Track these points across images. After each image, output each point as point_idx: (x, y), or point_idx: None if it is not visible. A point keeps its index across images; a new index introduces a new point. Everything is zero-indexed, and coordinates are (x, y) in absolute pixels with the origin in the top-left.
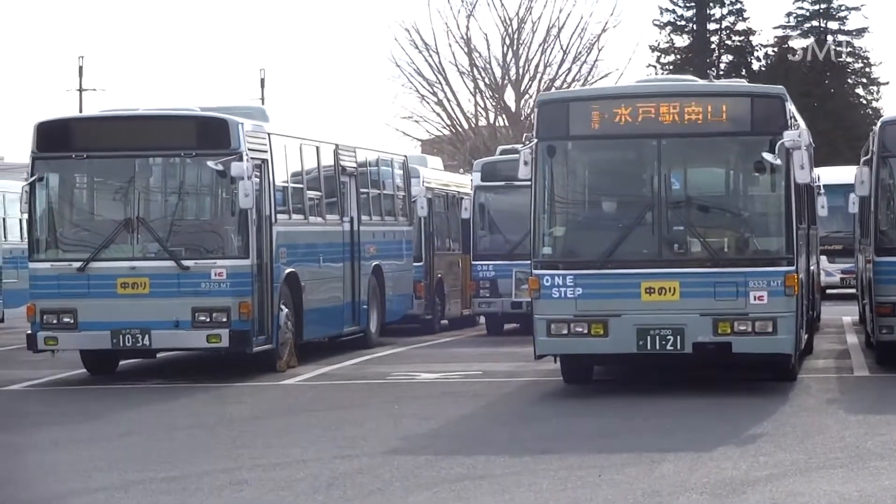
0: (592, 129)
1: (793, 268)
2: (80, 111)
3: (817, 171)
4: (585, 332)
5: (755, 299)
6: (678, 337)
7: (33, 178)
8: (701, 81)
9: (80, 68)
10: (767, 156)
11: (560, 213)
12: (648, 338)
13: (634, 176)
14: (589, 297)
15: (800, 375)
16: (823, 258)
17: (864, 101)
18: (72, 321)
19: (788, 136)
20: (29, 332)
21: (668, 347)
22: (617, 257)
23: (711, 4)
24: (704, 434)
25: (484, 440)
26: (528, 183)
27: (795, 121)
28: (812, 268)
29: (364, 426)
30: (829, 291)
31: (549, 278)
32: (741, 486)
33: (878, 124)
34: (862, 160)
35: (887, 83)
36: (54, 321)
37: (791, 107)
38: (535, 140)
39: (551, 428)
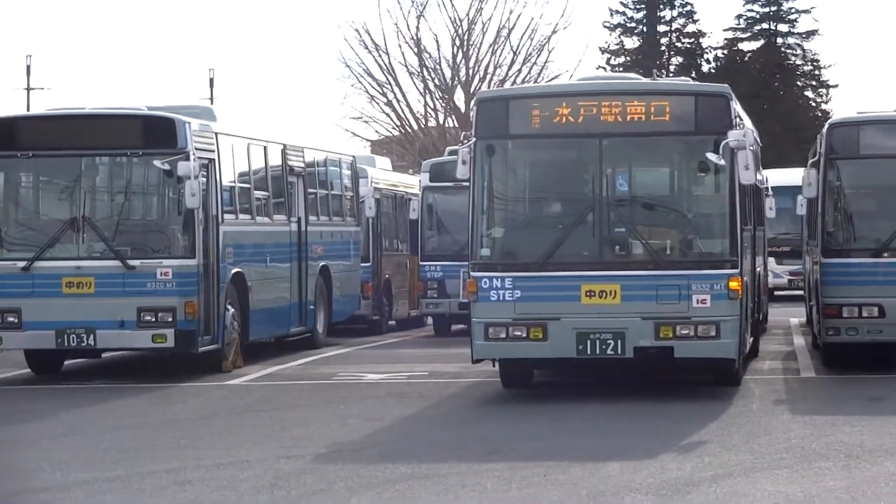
0: (532, 128)
1: (737, 270)
2: (28, 110)
3: (766, 172)
4: (524, 335)
5: (698, 303)
6: (619, 341)
7: None
8: (644, 80)
9: (28, 67)
10: (711, 156)
11: (499, 213)
12: (588, 342)
13: (575, 176)
14: (528, 300)
15: (746, 377)
16: (771, 260)
17: (814, 104)
18: (16, 321)
19: (733, 136)
20: None
21: (609, 352)
22: (556, 259)
23: (661, 6)
24: (649, 435)
25: (429, 441)
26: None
27: (741, 120)
28: (758, 269)
29: (309, 426)
30: (776, 293)
31: (487, 281)
32: (686, 486)
33: (826, 126)
34: (809, 162)
35: (836, 86)
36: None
37: (736, 106)
38: (474, 139)
39: (496, 429)
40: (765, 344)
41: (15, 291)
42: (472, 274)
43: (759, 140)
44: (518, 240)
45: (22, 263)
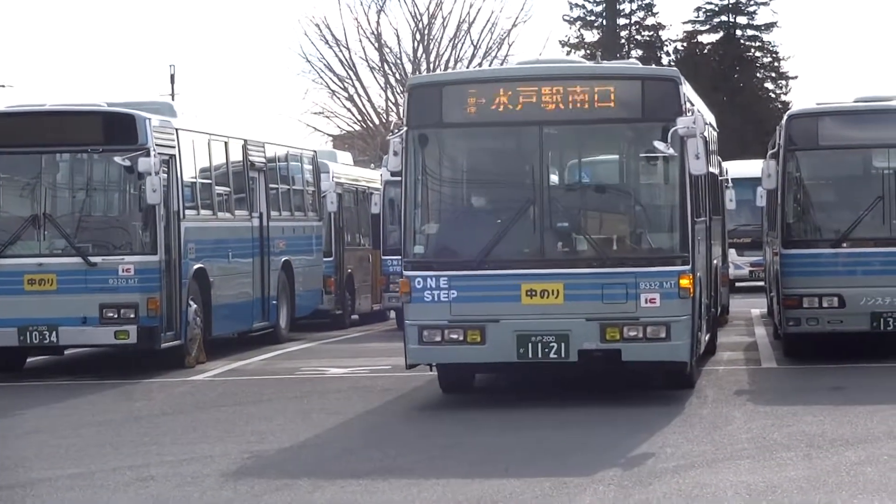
0: (468, 116)
1: (688, 267)
2: None
3: (726, 164)
4: (461, 339)
5: (647, 302)
6: (562, 344)
7: None
8: (588, 63)
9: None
10: (659, 144)
11: (433, 208)
12: (530, 345)
13: (515, 167)
14: (464, 300)
15: (707, 367)
16: (732, 251)
17: (773, 95)
18: None
19: (682, 123)
20: None
21: (552, 355)
22: (495, 257)
23: (621, 0)
24: (611, 427)
25: (392, 434)
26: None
27: (691, 105)
28: (715, 262)
29: (273, 421)
30: (737, 284)
31: (421, 280)
32: (648, 477)
33: (785, 118)
34: (769, 153)
35: (796, 77)
36: None
37: (687, 91)
38: (406, 128)
39: (459, 422)
40: (726, 335)
41: None
42: (406, 273)
43: (715, 127)
44: (454, 236)
45: None
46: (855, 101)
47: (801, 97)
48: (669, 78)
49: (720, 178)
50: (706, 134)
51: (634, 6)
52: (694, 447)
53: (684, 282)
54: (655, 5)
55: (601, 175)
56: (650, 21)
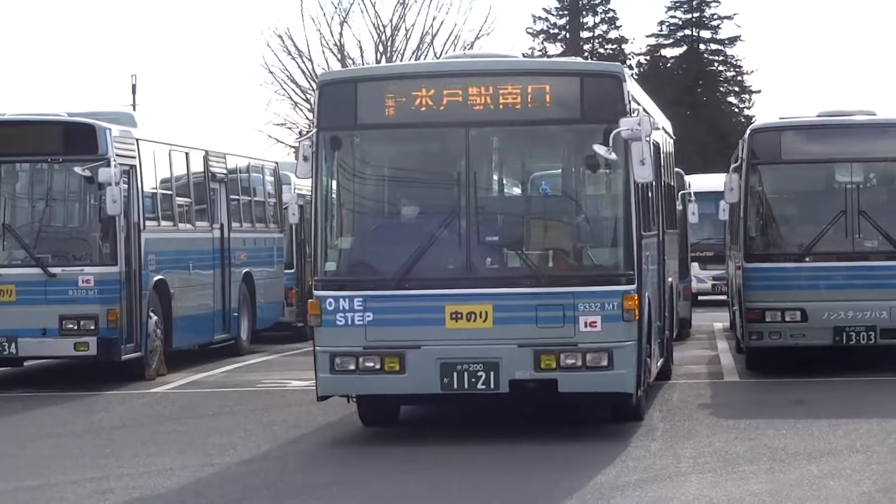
0: (386, 117)
1: (633, 286)
2: None
3: (689, 178)
4: (377, 367)
5: (586, 326)
6: (491, 373)
7: None
8: (522, 59)
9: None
10: (599, 149)
11: (346, 220)
12: (455, 374)
13: (438, 174)
14: (381, 324)
15: (671, 381)
16: (695, 265)
17: (737, 110)
18: None
19: (626, 125)
20: None
21: (479, 386)
22: (416, 275)
23: (584, 13)
24: (573, 440)
25: (352, 448)
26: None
27: (637, 106)
28: (670, 279)
29: (233, 434)
30: (700, 298)
31: (333, 301)
32: (610, 491)
33: (748, 131)
34: (732, 167)
35: (759, 91)
36: None
37: (633, 90)
38: (316, 130)
39: (417, 437)
40: (688, 349)
41: None
42: (316, 293)
43: (671, 134)
44: (370, 252)
45: None
46: (818, 116)
47: (764, 111)
48: (611, 74)
49: (681, 190)
50: (660, 140)
51: (598, 19)
52: (656, 460)
53: (629, 303)
54: (619, 19)
55: (535, 183)
56: (613, 34)
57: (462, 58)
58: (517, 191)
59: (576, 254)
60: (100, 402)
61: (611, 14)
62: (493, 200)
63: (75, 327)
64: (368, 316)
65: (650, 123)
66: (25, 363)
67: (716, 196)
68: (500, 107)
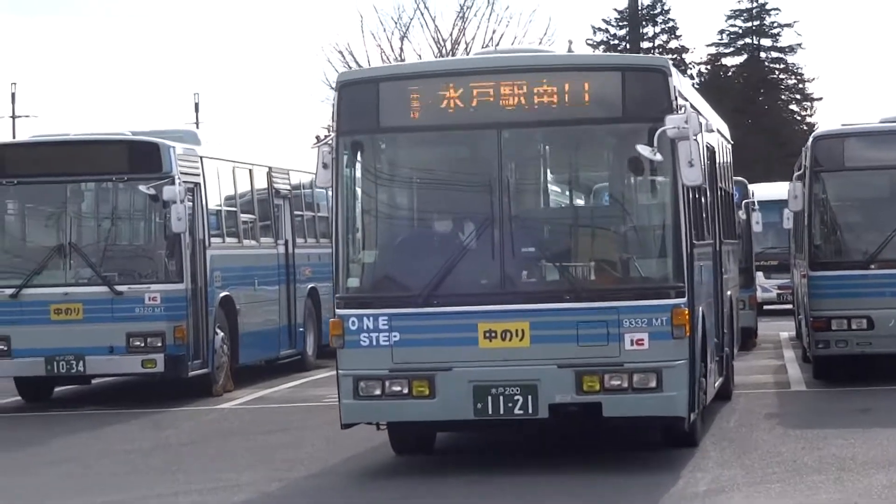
0: (411, 119)
1: (683, 300)
2: (14, 138)
3: (752, 186)
4: (405, 391)
5: (632, 344)
6: (529, 397)
7: None
8: (558, 53)
9: (13, 95)
10: (643, 149)
11: (370, 232)
12: (489, 399)
13: (468, 180)
14: (409, 344)
15: (735, 392)
16: (760, 274)
17: (798, 118)
18: (5, 348)
19: (672, 123)
20: None
21: (517, 411)
22: (445, 291)
23: (644, 23)
24: (640, 450)
25: (421, 463)
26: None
27: (685, 102)
28: (729, 292)
29: (301, 449)
30: (765, 307)
31: (356, 321)
32: (679, 500)
33: (811, 139)
34: (795, 175)
35: (821, 99)
36: None
37: (679, 85)
38: (335, 134)
39: (480, 462)
40: (755, 359)
41: (3, 319)
42: (337, 312)
43: (729, 139)
44: (396, 266)
45: (10, 291)
46: (880, 122)
47: (826, 119)
48: (656, 68)
49: (744, 199)
50: (715, 143)
51: (657, 29)
52: (724, 471)
53: (679, 318)
54: (679, 28)
55: (575, 189)
56: (674, 44)
57: (493, 53)
58: (555, 198)
59: (620, 265)
60: (167, 418)
61: (671, 24)
62: (528, 208)
63: (142, 344)
64: (395, 336)
65: (699, 121)
66: (93, 381)
67: (779, 205)
68: (535, 106)
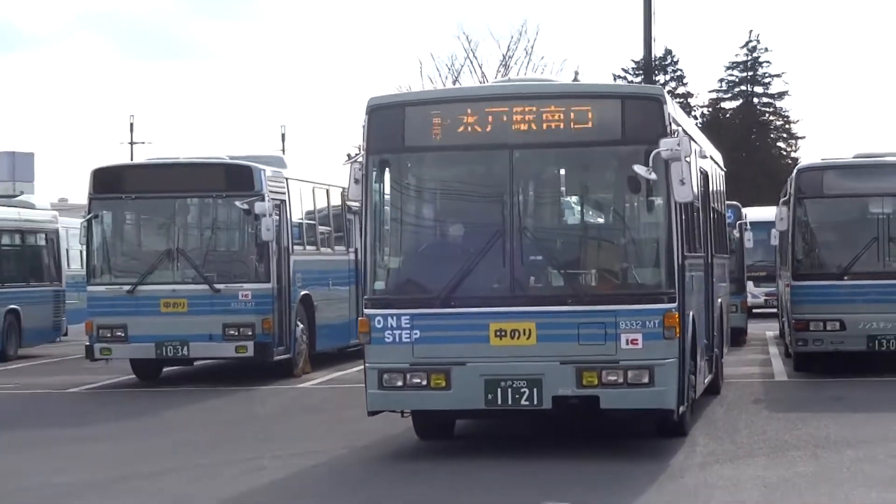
0: (432, 140)
1: (673, 305)
2: (131, 160)
3: (745, 210)
4: (424, 383)
5: (627, 343)
6: (535, 390)
7: (90, 215)
8: (564, 82)
9: (131, 125)
10: (639, 169)
11: (394, 241)
12: (499, 390)
13: (483, 195)
14: (428, 341)
15: (727, 381)
16: (750, 283)
17: (784, 153)
18: (123, 335)
19: (665, 145)
20: (87, 343)
21: (523, 402)
22: (461, 294)
23: (657, 72)
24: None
25: (466, 431)
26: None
27: (677, 127)
28: (719, 300)
29: (368, 422)
30: (754, 311)
31: (382, 319)
32: (679, 471)
33: (795, 171)
34: (781, 201)
35: (804, 137)
36: (108, 335)
37: (673, 111)
38: (365, 153)
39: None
40: (745, 354)
41: (122, 310)
42: (365, 311)
43: (722, 166)
44: (417, 271)
45: (127, 287)
46: (854, 157)
47: (808, 154)
48: (652, 97)
49: (738, 220)
50: (709, 169)
51: (668, 77)
52: (718, 446)
53: (669, 321)
54: (685, 77)
55: (578, 204)
56: (681, 90)
57: (506, 82)
58: (560, 211)
59: (617, 273)
60: (256, 395)
61: (679, 73)
62: (536, 221)
63: (236, 333)
64: (416, 333)
65: (690, 145)
66: (195, 363)
67: (768, 225)
68: (543, 129)
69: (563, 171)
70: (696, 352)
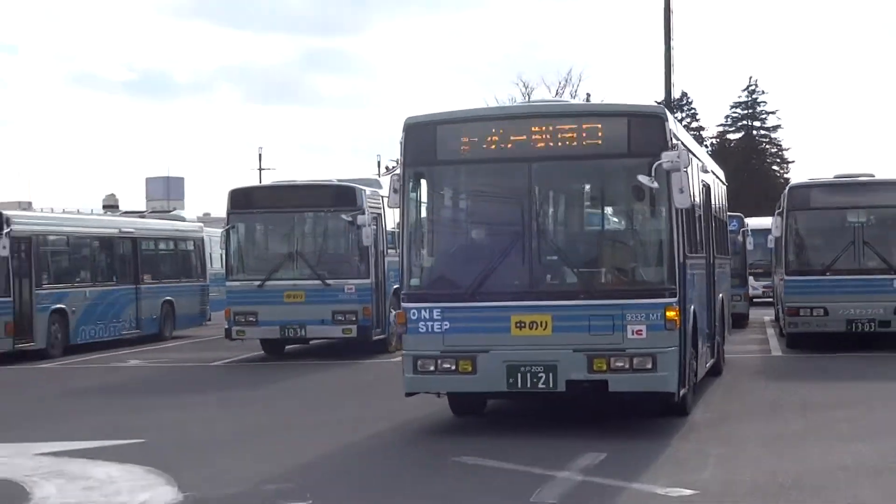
0: (461, 154)
1: (674, 299)
2: (260, 182)
3: (747, 220)
4: (453, 368)
5: (633, 334)
6: (550, 374)
7: (228, 226)
8: (577, 102)
9: (260, 155)
10: (643, 178)
11: (428, 242)
12: (519, 375)
13: (505, 202)
14: (456, 331)
15: (730, 356)
16: (751, 278)
17: (778, 174)
18: (254, 320)
19: (666, 158)
20: (226, 327)
21: (540, 385)
22: (486, 289)
23: (674, 110)
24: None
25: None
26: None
27: (677, 141)
28: (721, 295)
29: None
30: (754, 300)
31: (416, 311)
32: (697, 426)
33: (787, 188)
34: (776, 212)
35: (793, 161)
36: (242, 320)
37: (675, 128)
38: (402, 166)
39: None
40: (747, 334)
41: (253, 301)
42: (403, 304)
43: (724, 181)
44: (447, 269)
45: (257, 282)
46: (834, 177)
47: (797, 174)
48: (655, 115)
49: (741, 228)
50: (710, 182)
51: (684, 114)
52: (727, 406)
53: (670, 314)
54: (699, 114)
55: (589, 210)
56: (694, 125)
57: (526, 103)
58: (573, 216)
59: (624, 271)
60: (359, 367)
61: (693, 111)
62: (552, 225)
63: (343, 319)
64: (446, 324)
65: (689, 157)
66: (311, 342)
67: (765, 232)
68: (559, 144)
69: (576, 181)
70: (697, 340)
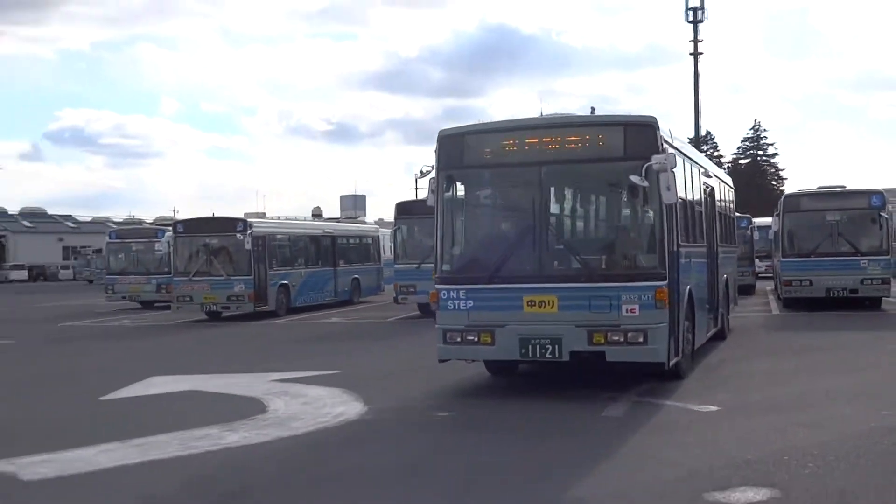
0: (485, 159)
1: (664, 282)
2: (416, 196)
3: (754, 220)
4: (475, 340)
5: (627, 312)
6: (556, 346)
7: (395, 228)
8: (582, 115)
9: (416, 178)
10: (634, 178)
11: (458, 234)
12: (530, 346)
13: (520, 200)
14: (478, 309)
15: (738, 316)
16: (757, 260)
17: (775, 187)
18: (413, 290)
19: (656, 160)
20: (394, 295)
21: (548, 355)
22: (503, 273)
23: (702, 144)
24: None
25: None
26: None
27: (668, 146)
28: (725, 276)
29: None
30: (759, 275)
31: (446, 292)
32: (717, 364)
33: (783, 197)
34: (774, 214)
35: (787, 178)
36: (405, 290)
37: (667, 135)
38: (436, 170)
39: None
40: (754, 299)
41: (412, 277)
42: (436, 286)
43: (731, 185)
44: (472, 256)
45: (416, 265)
46: (817, 188)
47: (790, 187)
48: (648, 124)
49: (749, 224)
50: (715, 185)
51: (708, 147)
52: (736, 351)
53: (660, 294)
54: (719, 146)
55: (590, 205)
56: (716, 154)
57: (538, 117)
58: (577, 211)
59: (620, 258)
60: None
61: (715, 144)
62: (559, 218)
63: None
64: (469, 303)
65: (675, 159)
66: None
67: (767, 228)
68: (566, 149)
69: (579, 182)
70: (694, 314)
